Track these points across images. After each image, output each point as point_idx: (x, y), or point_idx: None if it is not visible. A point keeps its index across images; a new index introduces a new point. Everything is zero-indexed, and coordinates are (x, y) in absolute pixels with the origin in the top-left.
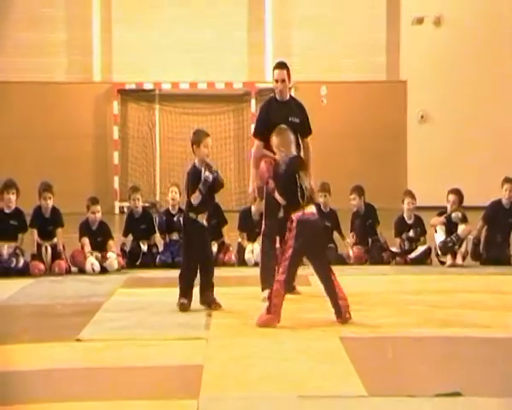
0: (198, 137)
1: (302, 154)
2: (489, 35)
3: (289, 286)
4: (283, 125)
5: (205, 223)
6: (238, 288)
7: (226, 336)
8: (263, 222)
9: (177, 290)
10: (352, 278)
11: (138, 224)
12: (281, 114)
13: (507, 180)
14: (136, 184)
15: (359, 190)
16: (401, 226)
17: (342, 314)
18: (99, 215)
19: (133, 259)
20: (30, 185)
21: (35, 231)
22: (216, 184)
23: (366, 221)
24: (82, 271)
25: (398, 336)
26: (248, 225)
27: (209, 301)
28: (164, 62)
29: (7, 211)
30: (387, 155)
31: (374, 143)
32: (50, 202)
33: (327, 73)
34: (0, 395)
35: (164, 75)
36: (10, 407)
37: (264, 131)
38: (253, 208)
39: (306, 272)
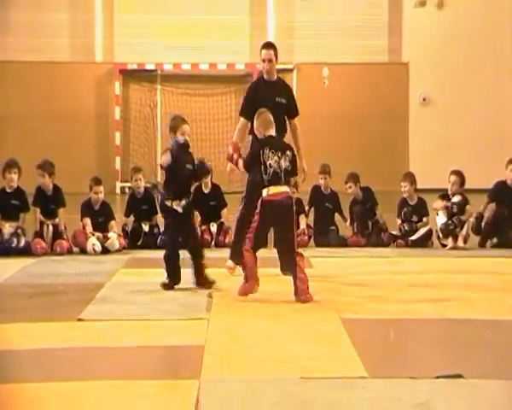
0: (175, 124)
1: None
2: (491, 17)
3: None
4: (263, 108)
5: (180, 210)
6: (237, 269)
7: (227, 317)
8: (241, 206)
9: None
10: (352, 260)
11: (140, 204)
12: (268, 93)
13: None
14: (138, 164)
15: (355, 178)
16: (403, 208)
17: (299, 294)
18: (101, 196)
19: (134, 239)
20: (32, 166)
21: (38, 210)
22: (198, 173)
23: (365, 205)
24: (83, 251)
25: (399, 318)
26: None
27: (202, 282)
28: (166, 43)
29: (8, 190)
30: (389, 137)
31: (375, 125)
32: (45, 180)
33: (329, 54)
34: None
35: (166, 56)
36: (9, 385)
37: (250, 110)
38: None
39: (308, 254)
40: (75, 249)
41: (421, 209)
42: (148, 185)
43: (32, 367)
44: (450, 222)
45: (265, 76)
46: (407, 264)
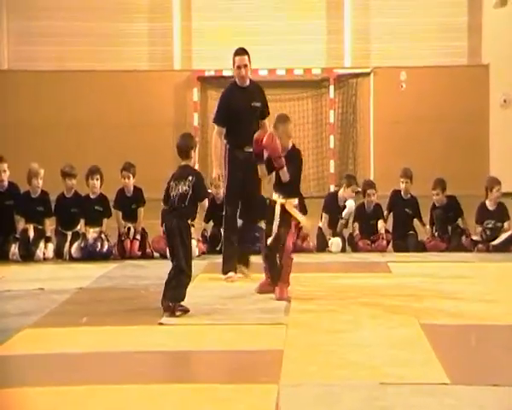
0: (194, 142)
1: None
2: None
3: None
4: (284, 113)
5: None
6: (317, 273)
7: (306, 321)
8: (224, 208)
9: (256, 276)
10: (431, 265)
11: (219, 210)
12: (243, 99)
13: None
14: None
15: (442, 184)
16: (483, 213)
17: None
18: None
19: (214, 244)
20: (114, 172)
21: (119, 213)
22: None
23: (447, 213)
24: (164, 256)
25: (480, 324)
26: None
27: None
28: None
29: (92, 197)
30: (469, 141)
31: (455, 128)
32: (129, 181)
33: (406, 58)
34: (80, 376)
35: None
36: (90, 386)
37: (225, 117)
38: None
39: (386, 259)
40: (156, 255)
41: (502, 214)
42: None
43: (115, 370)
44: None
45: (239, 82)
46: (488, 269)
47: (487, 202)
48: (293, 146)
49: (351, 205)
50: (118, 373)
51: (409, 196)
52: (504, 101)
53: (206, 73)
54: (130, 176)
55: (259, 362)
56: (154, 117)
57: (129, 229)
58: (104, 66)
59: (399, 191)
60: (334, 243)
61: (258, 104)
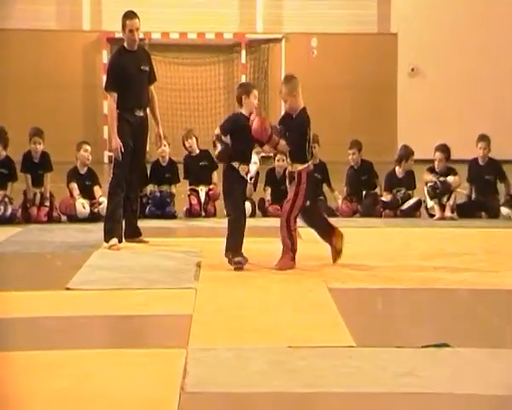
0: (246, 89)
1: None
2: None
3: None
4: (289, 73)
5: (243, 174)
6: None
7: (215, 286)
8: (112, 172)
9: (166, 241)
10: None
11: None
12: (133, 63)
13: None
14: None
15: (358, 145)
16: (392, 181)
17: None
18: (89, 157)
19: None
20: (18, 134)
21: (28, 176)
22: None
23: (361, 176)
24: (71, 219)
25: (386, 288)
26: None
27: None
28: (154, 12)
29: None
30: (378, 109)
31: (364, 95)
32: (40, 147)
33: (317, 24)
34: None
35: (153, 25)
36: None
37: (118, 82)
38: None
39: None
40: (63, 218)
41: (410, 182)
42: None
43: (20, 336)
44: (437, 185)
45: (130, 46)
46: (396, 234)
47: (397, 170)
48: (302, 109)
49: (252, 164)
50: (22, 339)
51: (317, 160)
52: (412, 69)
53: (117, 35)
54: (41, 142)
55: (168, 326)
56: (62, 78)
57: (35, 195)
58: (9, 24)
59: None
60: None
61: (146, 68)
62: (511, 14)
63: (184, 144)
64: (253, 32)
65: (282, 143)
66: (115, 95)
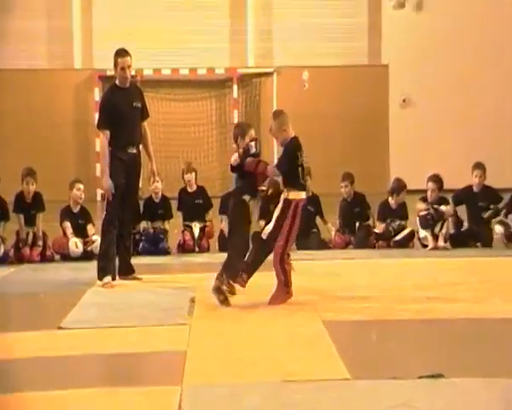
0: (242, 129)
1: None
2: (469, 19)
3: None
4: (277, 109)
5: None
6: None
7: (209, 322)
8: (105, 209)
9: (160, 277)
10: (334, 263)
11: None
12: (125, 100)
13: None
14: None
15: (351, 178)
16: (385, 211)
17: None
18: (83, 195)
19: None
20: (11, 173)
21: (21, 217)
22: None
23: (353, 208)
24: (65, 258)
25: (380, 320)
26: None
27: None
28: (145, 49)
29: None
30: (369, 140)
31: (356, 127)
32: (33, 188)
33: (308, 57)
34: None
35: (145, 61)
36: None
37: (110, 120)
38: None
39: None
40: (56, 257)
41: (403, 213)
42: None
43: (12, 377)
44: (429, 216)
45: (122, 83)
46: (389, 265)
47: (390, 200)
48: (293, 137)
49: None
50: (15, 381)
51: (310, 193)
52: (403, 100)
53: (108, 73)
54: (34, 182)
55: (162, 364)
56: (55, 117)
57: (27, 234)
58: (2, 64)
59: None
60: None
61: (139, 105)
62: (502, 45)
63: (183, 177)
64: (245, 66)
65: (270, 168)
66: (108, 133)
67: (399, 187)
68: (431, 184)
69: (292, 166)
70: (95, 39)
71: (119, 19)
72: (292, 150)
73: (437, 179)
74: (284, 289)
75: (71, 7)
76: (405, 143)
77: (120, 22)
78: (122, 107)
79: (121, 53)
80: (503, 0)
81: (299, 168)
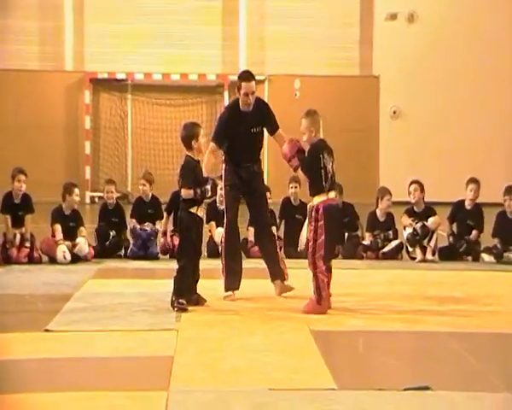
0: (194, 131)
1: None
2: (461, 32)
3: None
4: (312, 109)
5: (201, 215)
6: (208, 280)
7: (197, 328)
8: (225, 217)
9: (147, 282)
10: None
11: (110, 216)
12: (243, 125)
13: None
14: (108, 174)
15: (339, 188)
16: (373, 222)
17: None
18: (78, 199)
19: (103, 240)
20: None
21: (8, 217)
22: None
23: (342, 218)
24: (52, 260)
25: (368, 331)
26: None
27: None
28: (137, 52)
29: None
30: (359, 150)
31: (346, 137)
32: (24, 186)
33: (300, 66)
34: None
35: (136, 65)
36: None
37: (223, 140)
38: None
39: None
40: (44, 259)
41: (390, 224)
42: (118, 195)
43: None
44: (415, 233)
45: (244, 108)
46: (377, 276)
47: (377, 212)
48: (319, 139)
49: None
50: (3, 382)
51: (298, 201)
52: (394, 112)
53: (99, 76)
54: (25, 181)
55: (149, 368)
56: (45, 119)
57: (15, 236)
58: None
59: (289, 198)
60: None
61: (257, 129)
62: (494, 57)
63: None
64: (236, 73)
65: (300, 172)
66: (217, 148)
67: (382, 192)
68: (413, 186)
69: (314, 167)
70: (86, 42)
71: (111, 22)
72: (315, 151)
73: (418, 181)
74: (315, 297)
75: (63, 8)
76: (395, 155)
77: (112, 25)
78: (237, 131)
79: (245, 77)
80: (496, 11)
81: (322, 170)
